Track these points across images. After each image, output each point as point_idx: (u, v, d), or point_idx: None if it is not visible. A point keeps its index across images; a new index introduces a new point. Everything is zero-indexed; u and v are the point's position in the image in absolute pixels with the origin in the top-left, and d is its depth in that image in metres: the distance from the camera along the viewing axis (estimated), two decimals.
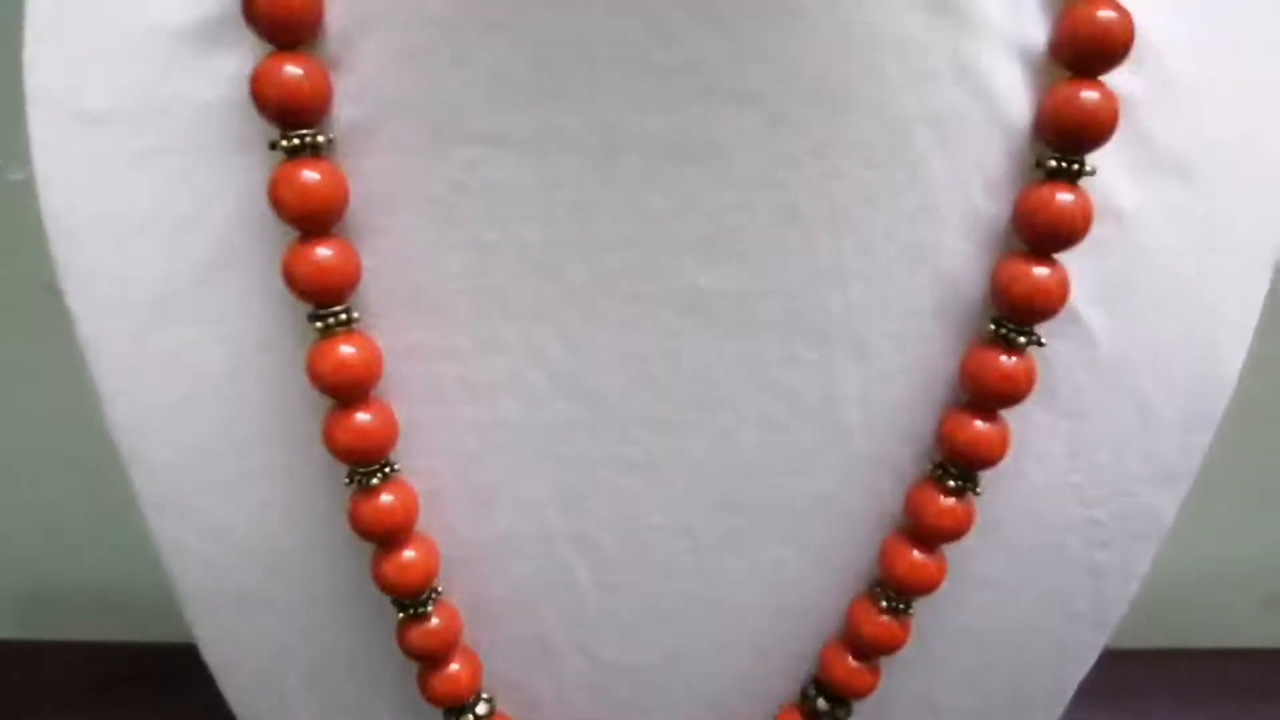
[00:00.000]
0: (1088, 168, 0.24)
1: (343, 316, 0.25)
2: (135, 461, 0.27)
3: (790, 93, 0.24)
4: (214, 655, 0.29)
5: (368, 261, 0.25)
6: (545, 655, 0.29)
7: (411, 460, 0.27)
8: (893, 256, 0.25)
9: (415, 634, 0.27)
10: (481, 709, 0.29)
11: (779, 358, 0.26)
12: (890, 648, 0.28)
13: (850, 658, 0.28)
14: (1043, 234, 0.24)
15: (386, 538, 0.26)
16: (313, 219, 0.24)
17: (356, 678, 0.29)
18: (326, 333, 0.25)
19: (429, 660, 0.28)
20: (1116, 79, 0.24)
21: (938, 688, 0.30)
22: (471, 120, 0.24)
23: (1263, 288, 0.27)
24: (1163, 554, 0.29)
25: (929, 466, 0.27)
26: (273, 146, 0.24)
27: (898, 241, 0.25)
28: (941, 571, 0.27)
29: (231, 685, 0.30)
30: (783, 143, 0.24)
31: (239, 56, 0.24)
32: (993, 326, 0.25)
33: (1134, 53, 0.24)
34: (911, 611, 0.28)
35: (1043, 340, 0.25)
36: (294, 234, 0.24)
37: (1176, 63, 0.25)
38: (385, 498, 0.26)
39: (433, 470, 0.27)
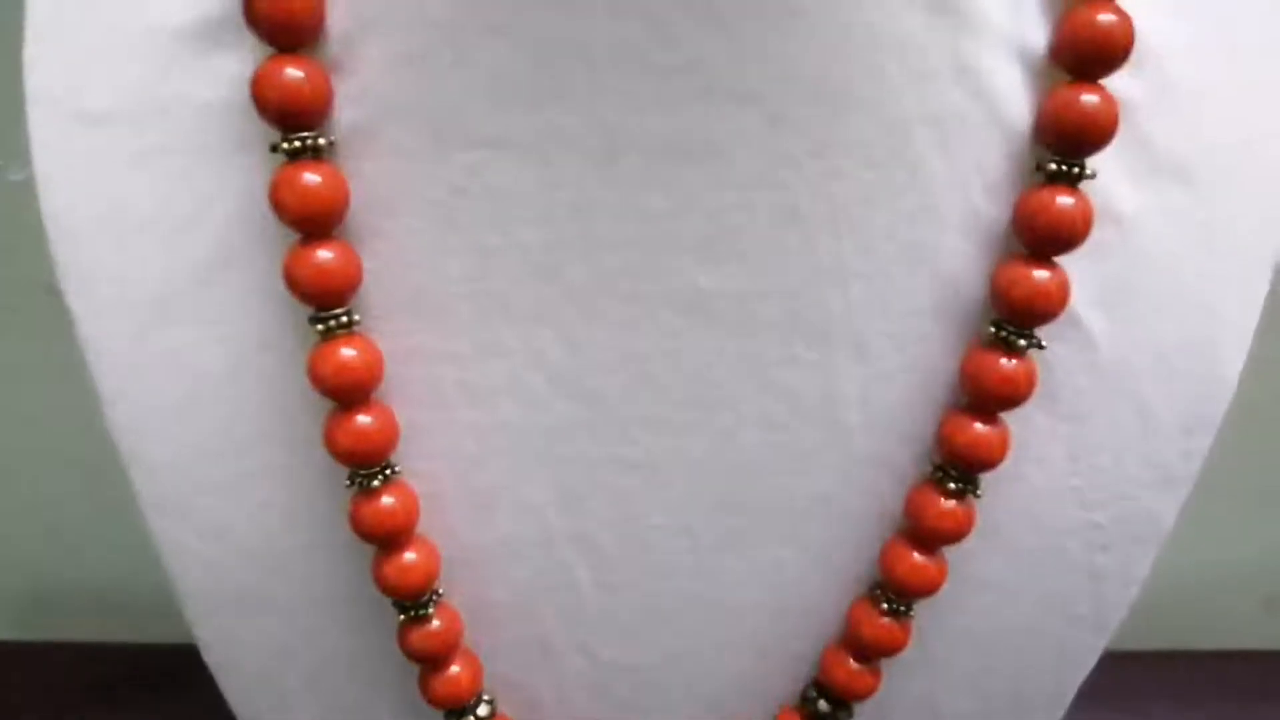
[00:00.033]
0: (1088, 171, 0.24)
1: (344, 319, 0.25)
2: (135, 461, 0.27)
3: (790, 93, 0.24)
4: (214, 656, 0.29)
5: (369, 264, 0.25)
6: (545, 656, 0.29)
7: (412, 463, 0.27)
8: (892, 256, 0.25)
9: (416, 636, 0.27)
10: (483, 710, 0.29)
11: (779, 358, 0.26)
12: (891, 650, 0.28)
13: (851, 660, 0.28)
14: (1043, 237, 0.24)
15: (387, 540, 0.26)
16: (314, 221, 0.24)
17: (357, 678, 0.29)
18: (327, 335, 0.25)
19: (430, 662, 0.28)
20: (1116, 82, 0.24)
21: (938, 690, 0.30)
22: (472, 123, 0.24)
23: (1263, 290, 0.27)
24: (1163, 556, 0.29)
25: (929, 468, 0.27)
26: (274, 149, 0.24)
27: (897, 242, 0.25)
28: (942, 574, 0.27)
29: (232, 686, 0.30)
30: (783, 143, 0.24)
31: (239, 58, 0.24)
32: (993, 329, 0.25)
33: (1134, 56, 0.24)
34: (912, 614, 0.28)
35: (1043, 343, 0.25)
36: (294, 235, 0.24)
37: (1176, 66, 0.25)
38: (386, 500, 0.26)
39: (433, 473, 0.27)
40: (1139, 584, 0.29)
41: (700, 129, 0.24)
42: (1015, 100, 0.25)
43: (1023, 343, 0.25)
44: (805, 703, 0.30)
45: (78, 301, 0.26)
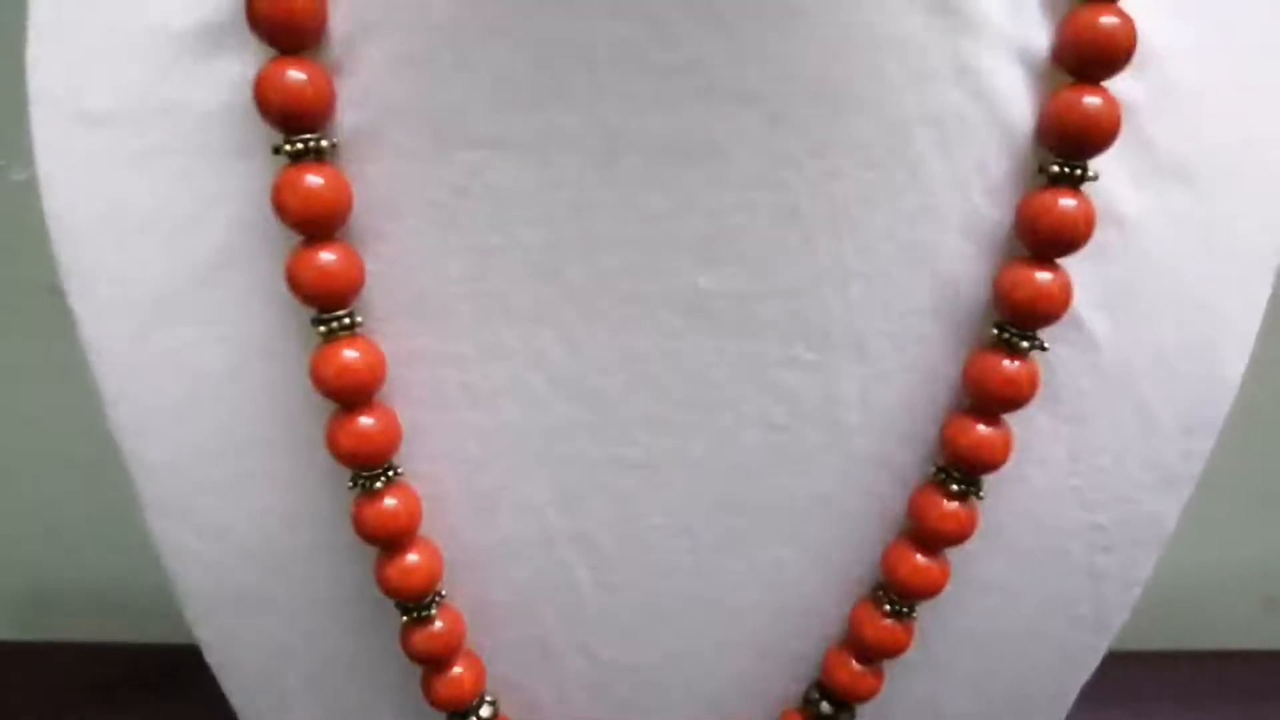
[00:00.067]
0: (1090, 173, 0.24)
1: (346, 321, 0.25)
2: (136, 462, 0.27)
3: (790, 93, 0.24)
4: (215, 656, 0.29)
5: (371, 266, 0.25)
6: (545, 656, 0.29)
7: (414, 464, 0.27)
8: (892, 257, 0.25)
9: (419, 637, 0.27)
10: (485, 712, 0.29)
11: (779, 358, 0.26)
12: (893, 651, 0.28)
13: (854, 661, 0.28)
14: (1045, 239, 0.24)
15: (390, 541, 0.26)
16: (316, 224, 0.24)
17: (358, 679, 0.29)
18: (330, 337, 0.25)
19: (432, 664, 0.28)
20: (1119, 84, 0.24)
21: (941, 692, 0.30)
22: (473, 124, 0.24)
23: (1265, 292, 0.27)
24: (1164, 556, 0.29)
25: (931, 469, 0.27)
26: (276, 151, 0.24)
27: (897, 242, 0.25)
28: (944, 575, 0.27)
29: (233, 686, 0.30)
30: (783, 143, 0.24)
31: (241, 60, 0.24)
32: (995, 331, 0.25)
33: (1136, 58, 0.24)
34: (915, 615, 0.28)
35: (1045, 345, 0.25)
36: (295, 236, 0.24)
37: (1178, 67, 0.25)
38: (388, 501, 0.26)
39: (435, 474, 0.27)
40: (1140, 585, 0.29)
41: (700, 129, 0.24)
42: (1017, 102, 0.25)
43: (1025, 344, 0.25)
44: (808, 704, 0.30)
45: (79, 302, 0.26)
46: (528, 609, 0.28)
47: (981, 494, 0.27)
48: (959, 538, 0.27)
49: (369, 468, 0.26)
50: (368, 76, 0.24)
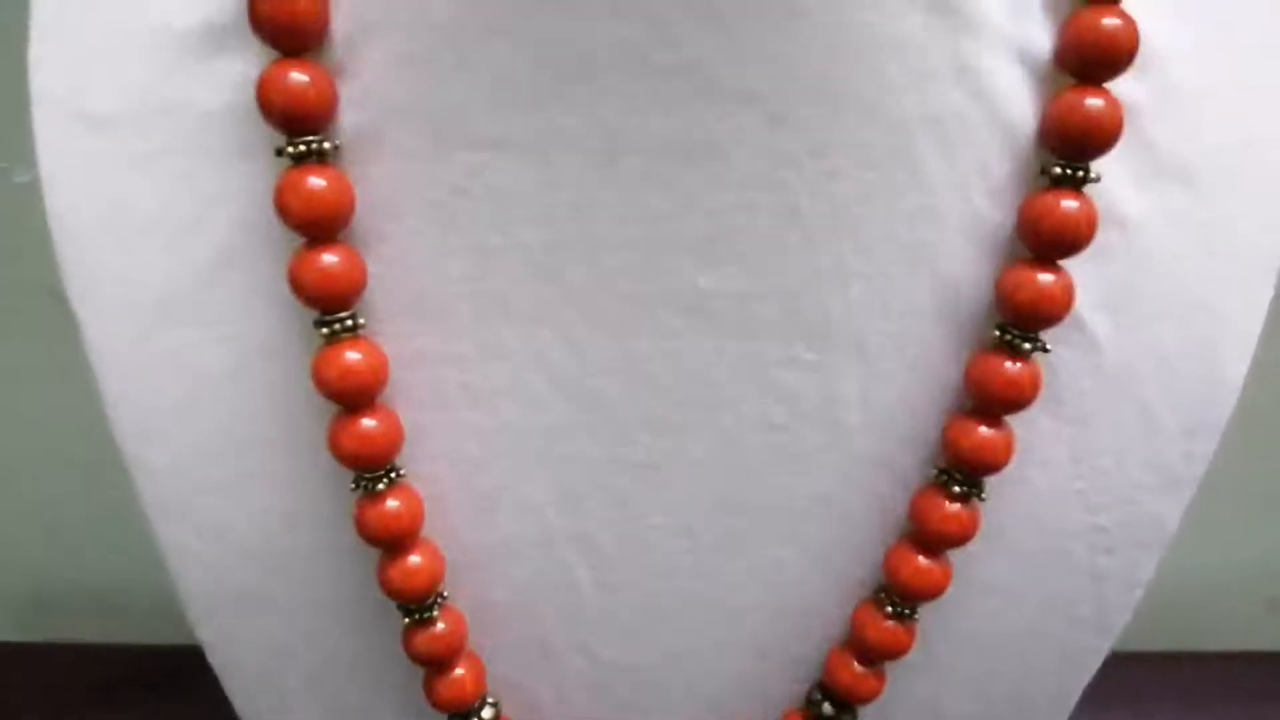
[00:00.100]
0: (1092, 175, 0.24)
1: (348, 323, 0.25)
2: (137, 463, 0.27)
3: (790, 93, 0.24)
4: (216, 656, 0.29)
5: (373, 268, 0.25)
6: (545, 656, 0.29)
7: (416, 465, 0.27)
8: (893, 257, 0.25)
9: (421, 639, 0.27)
10: (487, 713, 0.29)
11: (779, 358, 0.26)
12: (895, 653, 0.28)
13: (855, 663, 0.28)
14: (1047, 241, 0.24)
15: (392, 543, 0.26)
16: (319, 226, 0.24)
17: (359, 679, 0.29)
18: (332, 339, 0.25)
19: (434, 665, 0.28)
20: (1121, 85, 0.24)
21: (942, 693, 0.30)
22: (474, 124, 0.24)
23: (1267, 293, 0.27)
24: (1167, 558, 0.29)
25: (932, 471, 0.27)
26: (279, 153, 0.24)
27: (898, 242, 0.25)
28: (946, 577, 0.27)
29: (234, 686, 0.30)
30: (783, 143, 0.24)
31: (244, 60, 0.24)
32: (997, 333, 0.25)
33: (1138, 59, 0.24)
34: (917, 617, 0.28)
35: (1047, 347, 0.25)
36: (297, 237, 0.24)
37: (1180, 68, 0.25)
38: (391, 503, 0.26)
39: (436, 475, 0.27)
40: (1142, 587, 0.29)
41: (700, 129, 0.24)
42: (1018, 103, 0.25)
43: (1027, 346, 0.25)
44: (809, 705, 0.30)
45: (81, 303, 0.26)
46: (528, 609, 0.28)
47: (983, 495, 0.27)
48: (961, 539, 0.27)
49: (371, 469, 0.26)
50: (369, 78, 0.24)
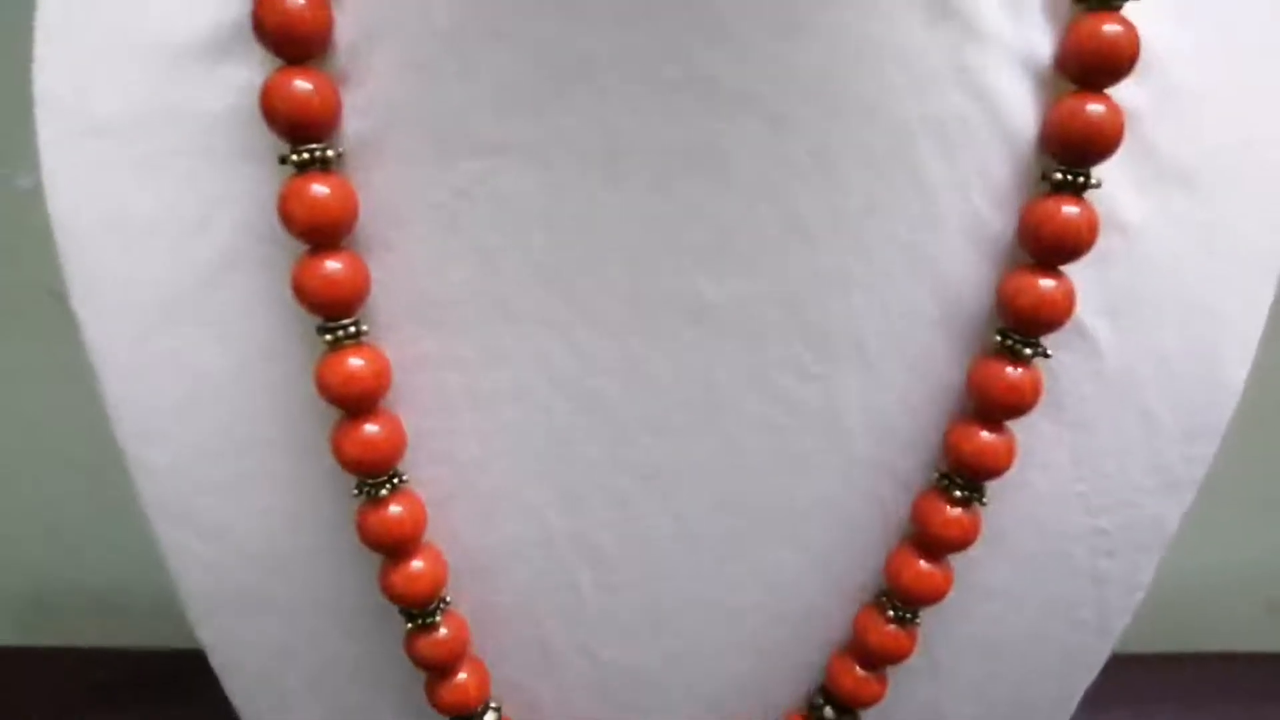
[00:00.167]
0: (1093, 180, 0.24)
1: (352, 329, 0.25)
2: (138, 464, 0.27)
3: (793, 99, 0.24)
4: (217, 656, 0.29)
5: (376, 273, 0.25)
6: (546, 657, 0.29)
7: (418, 469, 0.27)
8: (894, 262, 0.25)
9: (424, 644, 0.27)
10: (490, 718, 0.29)
11: (781, 363, 0.26)
12: (897, 657, 0.28)
13: (857, 667, 0.28)
14: (1048, 247, 0.24)
15: (395, 549, 0.26)
16: (322, 233, 0.24)
17: (359, 680, 0.30)
18: (335, 345, 0.25)
19: (437, 670, 0.28)
20: (1122, 91, 0.24)
21: (944, 697, 0.30)
22: (477, 130, 0.24)
23: (1268, 296, 0.27)
24: (1167, 559, 0.29)
25: (934, 475, 0.27)
26: (283, 161, 0.24)
27: (900, 248, 0.25)
28: (948, 581, 0.27)
29: (234, 687, 0.30)
30: (785, 149, 0.24)
31: (247, 65, 0.24)
32: (999, 338, 0.25)
33: (1139, 63, 0.24)
34: (918, 621, 0.28)
35: (1049, 352, 0.25)
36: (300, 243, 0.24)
37: (1180, 71, 0.25)
38: (393, 509, 0.26)
39: (438, 478, 0.27)
40: (1143, 589, 0.29)
41: (704, 136, 0.24)
42: (1020, 109, 0.25)
43: (1028, 351, 0.25)
44: (811, 709, 0.30)
45: (83, 305, 0.26)
46: (529, 611, 0.29)
47: (984, 500, 0.27)
48: (962, 544, 0.27)
49: (374, 475, 0.26)
50: (373, 85, 0.24)
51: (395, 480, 0.26)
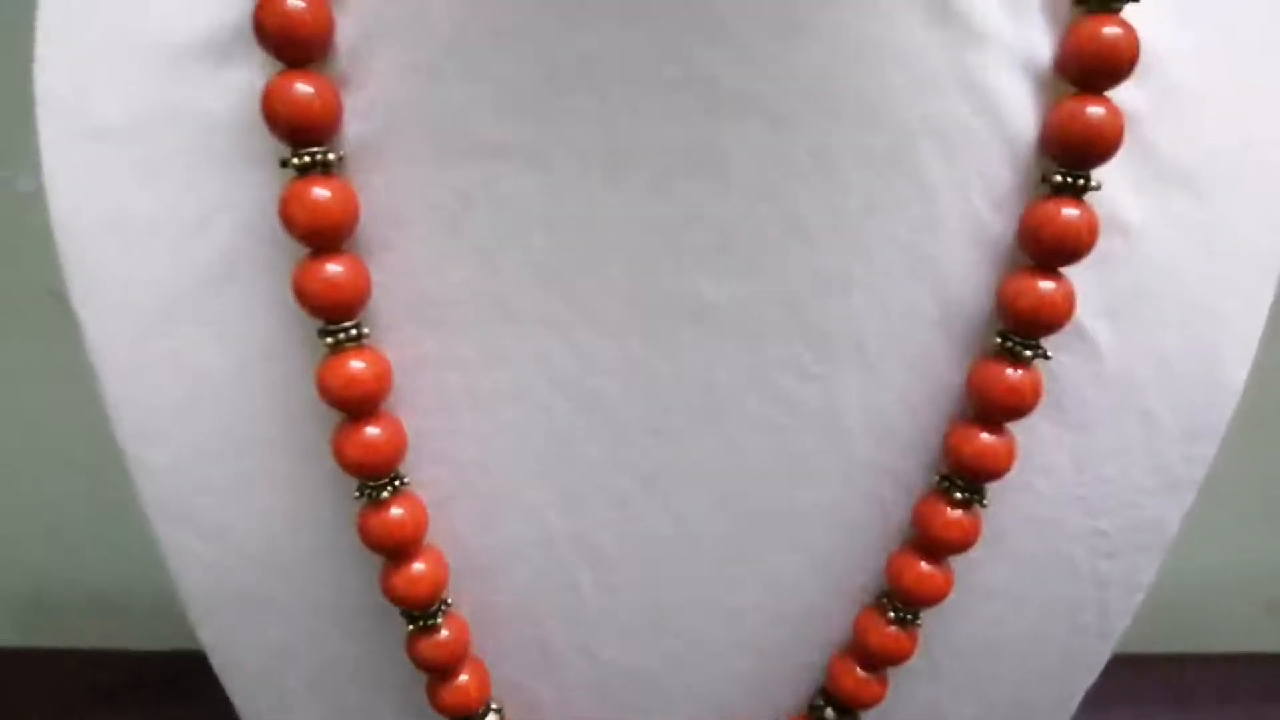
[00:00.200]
0: (1093, 183, 0.24)
1: (353, 332, 0.25)
2: (139, 464, 0.27)
3: (794, 102, 0.24)
4: (218, 657, 0.29)
5: (377, 275, 0.25)
6: (546, 657, 0.29)
7: (419, 470, 0.27)
8: (895, 265, 0.25)
9: (425, 646, 0.27)
10: (491, 719, 0.29)
11: (781, 363, 0.26)
12: (898, 658, 0.28)
13: (858, 668, 0.28)
14: (1048, 249, 0.24)
15: (396, 551, 0.26)
16: (323, 236, 0.24)
17: (359, 681, 0.30)
18: (336, 348, 0.25)
19: (438, 672, 0.28)
20: (1122, 93, 0.24)
21: (944, 698, 0.30)
22: (478, 132, 0.24)
23: (1268, 297, 0.27)
24: (1167, 560, 0.29)
25: (934, 477, 0.27)
26: (284, 164, 0.24)
27: (900, 250, 0.25)
28: (949, 583, 0.27)
29: (234, 686, 0.30)
30: (788, 152, 0.24)
31: (249, 69, 0.24)
32: (999, 340, 0.25)
33: (1139, 65, 0.24)
34: (919, 622, 0.28)
35: (1049, 354, 0.25)
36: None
37: (1180, 73, 0.25)
38: (395, 511, 0.26)
39: (438, 479, 0.27)
40: (1144, 590, 0.29)
41: (704, 137, 0.24)
42: (1020, 112, 0.25)
43: (1029, 353, 0.25)
44: (812, 710, 0.30)
45: (83, 306, 0.26)
46: (529, 611, 0.29)
47: (985, 502, 0.27)
48: (963, 545, 0.27)
49: (375, 477, 0.26)
50: (374, 88, 0.24)
51: (396, 482, 0.26)
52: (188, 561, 0.28)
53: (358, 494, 0.26)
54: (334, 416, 0.26)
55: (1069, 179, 0.24)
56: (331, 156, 0.24)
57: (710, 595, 0.28)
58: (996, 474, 0.26)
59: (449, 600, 0.28)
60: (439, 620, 0.27)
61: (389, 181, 0.25)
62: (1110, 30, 0.23)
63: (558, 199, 0.25)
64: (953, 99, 0.24)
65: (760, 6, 0.23)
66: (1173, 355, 0.27)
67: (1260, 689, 0.56)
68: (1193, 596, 0.58)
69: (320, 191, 0.24)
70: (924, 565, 0.27)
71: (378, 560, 0.27)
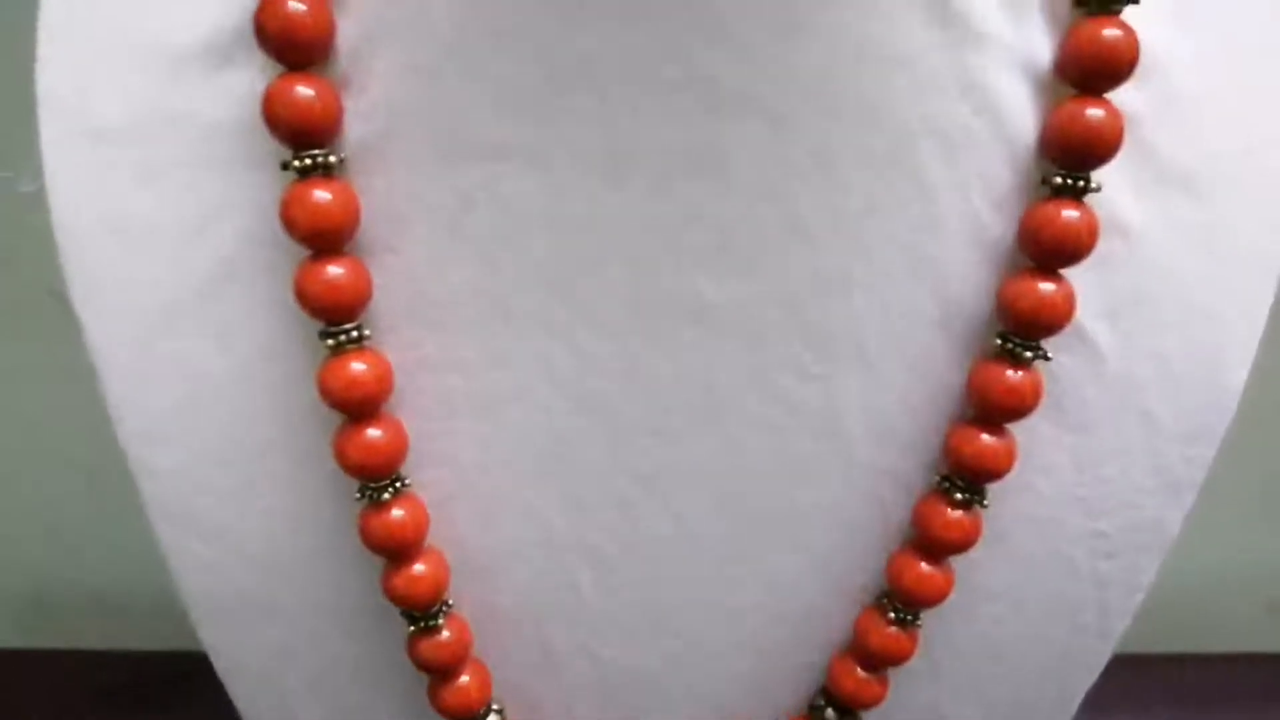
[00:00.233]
0: (1093, 184, 0.24)
1: (354, 334, 0.25)
2: (141, 466, 0.27)
3: (796, 104, 0.24)
4: (219, 658, 0.29)
5: (378, 277, 0.25)
6: (547, 658, 0.29)
7: (420, 472, 0.27)
8: (895, 266, 0.25)
9: (426, 647, 0.27)
10: None
11: (781, 364, 0.26)
12: (898, 659, 0.28)
13: (859, 669, 0.29)
14: (1048, 250, 0.24)
15: (397, 552, 0.27)
16: (324, 238, 0.24)
17: (360, 682, 0.30)
18: (338, 350, 0.25)
19: (439, 673, 0.28)
20: (1121, 95, 0.24)
21: (944, 699, 0.30)
22: (479, 134, 0.24)
23: (1268, 298, 0.27)
24: (1168, 560, 0.29)
25: (935, 478, 0.27)
26: (285, 167, 0.24)
27: (901, 251, 0.25)
28: (949, 583, 0.27)
29: (235, 687, 0.30)
30: (788, 154, 0.24)
31: (249, 73, 0.24)
32: (999, 341, 0.25)
33: (1139, 67, 0.24)
34: (919, 623, 0.28)
35: (1049, 355, 0.25)
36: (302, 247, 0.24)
37: (1180, 75, 0.25)
38: (396, 513, 0.26)
39: (439, 480, 0.27)
40: (1144, 591, 0.29)
41: (707, 141, 0.24)
42: (1020, 114, 0.25)
43: (1029, 355, 0.25)
44: (812, 710, 0.30)
45: (85, 307, 0.26)
46: (530, 612, 0.29)
47: (985, 502, 0.27)
48: (963, 546, 0.27)
49: (376, 479, 0.26)
50: (375, 90, 0.24)
51: (397, 484, 0.26)
52: (188, 562, 0.28)
53: (359, 495, 0.26)
54: (335, 418, 0.26)
55: (1069, 181, 0.24)
56: (332, 159, 0.24)
57: (710, 595, 0.28)
58: (997, 474, 0.26)
59: (450, 601, 0.28)
60: (440, 621, 0.27)
61: (390, 183, 0.25)
62: (1110, 32, 0.23)
63: (558, 199, 0.25)
64: (953, 99, 0.24)
65: (760, 6, 0.23)
66: (1173, 356, 0.27)
67: (1260, 689, 0.56)
68: (1193, 596, 0.58)
69: (321, 194, 0.24)
70: (924, 566, 0.27)
71: (378, 561, 0.27)
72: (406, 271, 0.25)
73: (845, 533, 0.28)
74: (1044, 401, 0.26)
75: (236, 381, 0.26)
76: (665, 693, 0.30)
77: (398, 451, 0.26)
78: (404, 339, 0.26)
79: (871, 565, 0.28)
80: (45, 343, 0.41)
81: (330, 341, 0.25)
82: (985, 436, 0.26)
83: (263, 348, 0.26)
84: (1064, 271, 0.25)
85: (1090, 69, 0.24)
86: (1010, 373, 0.25)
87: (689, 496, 0.27)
